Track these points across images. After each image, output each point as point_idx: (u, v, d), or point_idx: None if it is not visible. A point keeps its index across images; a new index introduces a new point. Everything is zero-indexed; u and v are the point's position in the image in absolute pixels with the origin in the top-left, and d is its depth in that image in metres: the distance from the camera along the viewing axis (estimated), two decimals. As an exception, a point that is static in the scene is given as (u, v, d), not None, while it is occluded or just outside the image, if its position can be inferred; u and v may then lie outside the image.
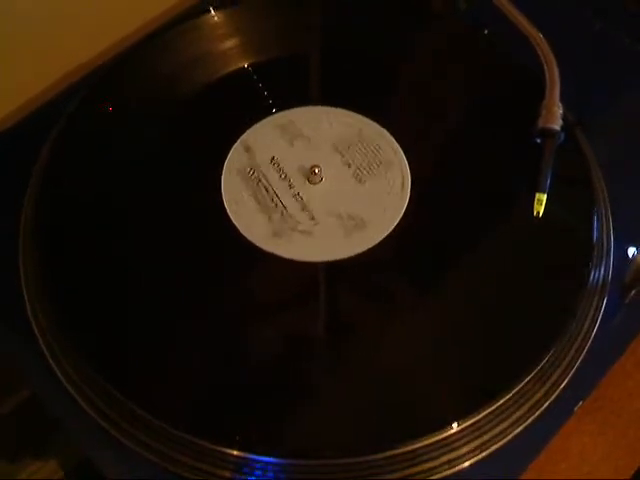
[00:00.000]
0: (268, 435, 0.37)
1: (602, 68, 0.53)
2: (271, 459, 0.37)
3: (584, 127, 0.48)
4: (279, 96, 0.49)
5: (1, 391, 0.44)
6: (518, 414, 0.39)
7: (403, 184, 0.45)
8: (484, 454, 0.38)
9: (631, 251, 0.44)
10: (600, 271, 0.43)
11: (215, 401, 0.38)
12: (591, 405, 0.41)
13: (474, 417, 0.38)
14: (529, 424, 0.39)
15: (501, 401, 0.38)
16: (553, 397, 0.39)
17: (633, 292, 0.43)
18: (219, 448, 0.37)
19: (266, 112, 0.48)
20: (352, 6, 0.53)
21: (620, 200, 0.46)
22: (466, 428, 0.38)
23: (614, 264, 0.43)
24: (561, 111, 0.46)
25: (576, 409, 0.40)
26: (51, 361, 0.40)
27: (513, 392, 0.38)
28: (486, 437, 0.38)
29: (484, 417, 0.38)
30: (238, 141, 0.47)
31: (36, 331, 0.41)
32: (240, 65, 0.50)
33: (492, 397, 0.38)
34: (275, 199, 0.45)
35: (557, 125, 0.46)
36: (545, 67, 0.48)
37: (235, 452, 0.37)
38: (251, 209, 0.44)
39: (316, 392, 0.39)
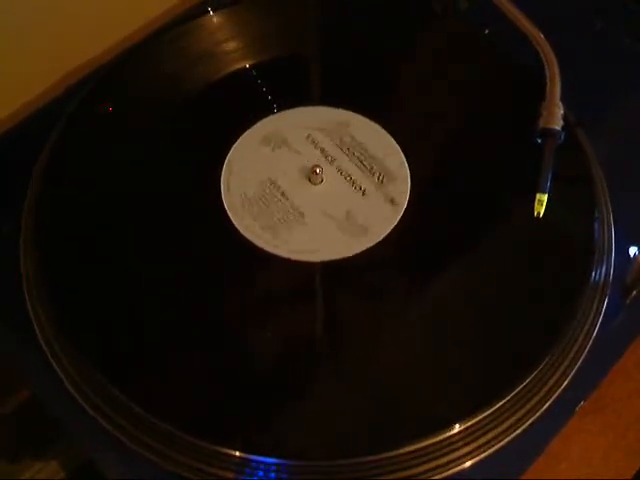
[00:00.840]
0: (269, 436, 0.37)
1: (602, 68, 0.53)
2: (273, 460, 0.37)
3: (584, 127, 0.48)
4: (279, 96, 0.49)
5: (1, 391, 0.44)
6: (519, 415, 0.39)
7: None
8: (485, 454, 0.38)
9: (632, 251, 0.44)
10: (601, 271, 0.43)
11: (216, 402, 0.38)
12: (592, 405, 0.41)
13: (475, 418, 0.38)
14: (530, 425, 0.39)
15: (502, 402, 0.38)
16: (554, 397, 0.39)
17: (634, 292, 0.43)
18: (221, 449, 0.37)
19: (266, 112, 0.48)
20: (352, 6, 0.53)
21: (621, 200, 0.46)
22: (467, 429, 0.38)
23: (615, 264, 0.43)
24: (561, 111, 0.46)
25: (577, 409, 0.40)
26: (52, 361, 0.40)
27: (514, 393, 0.38)
28: (487, 438, 0.38)
29: (485, 418, 0.38)
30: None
31: (37, 331, 0.41)
32: (240, 65, 0.50)
33: (493, 398, 0.38)
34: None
35: (558, 125, 0.46)
36: (546, 67, 0.48)
37: (237, 453, 0.37)
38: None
39: (317, 393, 0.39)
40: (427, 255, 0.44)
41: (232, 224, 0.44)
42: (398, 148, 0.47)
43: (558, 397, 0.40)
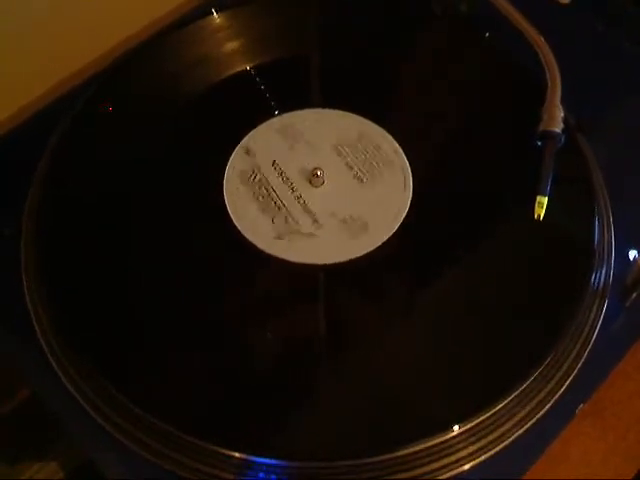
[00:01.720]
0: (270, 437, 0.37)
1: (602, 68, 0.53)
2: (273, 461, 0.37)
3: (584, 129, 0.48)
4: (281, 98, 0.49)
5: (1, 391, 0.44)
6: (519, 417, 0.39)
7: (405, 186, 0.45)
8: (485, 456, 0.38)
9: (632, 254, 0.44)
10: (601, 274, 0.43)
11: (217, 402, 0.38)
12: (592, 408, 0.41)
13: (475, 420, 0.38)
14: (530, 427, 0.39)
15: (502, 404, 0.38)
16: (554, 400, 0.39)
17: (634, 295, 0.43)
18: (221, 450, 0.37)
19: (268, 114, 0.48)
20: (353, 6, 0.53)
21: (621, 202, 0.46)
22: (467, 431, 0.38)
23: (615, 267, 0.43)
24: (562, 113, 0.46)
25: (577, 412, 0.40)
26: (52, 361, 0.40)
27: (514, 395, 0.38)
28: (487, 440, 0.38)
29: (485, 420, 0.38)
30: (239, 145, 0.47)
31: (37, 331, 0.41)
32: (242, 67, 0.50)
33: (493, 400, 0.38)
34: (277, 202, 0.45)
35: (558, 128, 0.46)
36: (546, 69, 0.48)
37: (237, 454, 0.37)
38: (253, 211, 0.44)
39: (318, 394, 0.39)
40: (428, 256, 0.44)
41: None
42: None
43: (558, 399, 0.40)
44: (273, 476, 0.37)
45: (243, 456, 0.37)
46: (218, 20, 0.51)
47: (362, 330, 0.41)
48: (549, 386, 0.40)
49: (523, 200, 0.44)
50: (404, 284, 0.43)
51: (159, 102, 0.48)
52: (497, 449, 0.38)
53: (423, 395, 0.39)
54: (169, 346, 0.40)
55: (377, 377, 0.39)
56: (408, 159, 0.46)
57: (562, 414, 0.40)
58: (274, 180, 0.45)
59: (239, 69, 0.50)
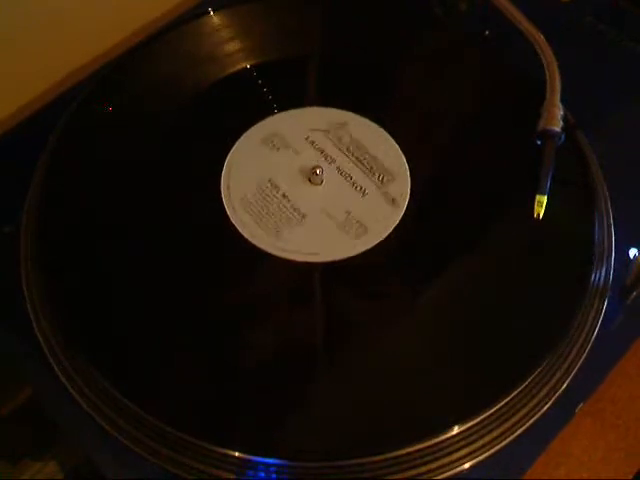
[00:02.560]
0: (269, 437, 0.37)
1: (602, 68, 0.53)
2: (273, 461, 0.37)
3: (584, 128, 0.48)
4: (279, 97, 0.49)
5: (1, 391, 0.44)
6: (518, 416, 0.39)
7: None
8: (484, 456, 0.38)
9: (632, 253, 0.44)
10: (601, 273, 0.43)
11: (217, 402, 0.38)
12: (592, 407, 0.41)
13: (474, 419, 0.38)
14: (529, 426, 0.39)
15: (502, 403, 0.38)
16: (554, 399, 0.39)
17: (634, 294, 0.43)
18: (220, 449, 0.37)
19: (266, 113, 0.48)
20: (352, 7, 0.53)
21: (621, 201, 0.46)
22: (466, 430, 0.38)
23: (615, 266, 0.43)
24: (562, 112, 0.46)
25: (577, 411, 0.40)
26: (51, 361, 0.40)
27: (514, 394, 0.38)
28: (486, 439, 0.38)
29: (485, 419, 0.38)
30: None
31: (37, 331, 0.41)
32: (240, 67, 0.50)
33: (493, 399, 0.38)
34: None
35: (558, 127, 0.46)
36: (546, 68, 0.48)
37: (237, 454, 0.37)
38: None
39: (318, 393, 0.39)
40: (427, 255, 0.44)
41: (232, 225, 0.44)
42: (398, 148, 0.47)
43: (558, 399, 0.40)
44: (273, 475, 0.37)
45: (243, 456, 0.37)
46: (215, 20, 0.51)
47: (361, 329, 0.41)
48: (549, 385, 0.40)
49: (523, 199, 0.44)
50: (402, 283, 0.43)
51: (157, 101, 0.48)
52: (497, 448, 0.38)
53: (423, 394, 0.39)
54: (169, 346, 0.40)
55: (376, 377, 0.39)
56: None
57: (562, 413, 0.40)
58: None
59: (237, 69, 0.50)
